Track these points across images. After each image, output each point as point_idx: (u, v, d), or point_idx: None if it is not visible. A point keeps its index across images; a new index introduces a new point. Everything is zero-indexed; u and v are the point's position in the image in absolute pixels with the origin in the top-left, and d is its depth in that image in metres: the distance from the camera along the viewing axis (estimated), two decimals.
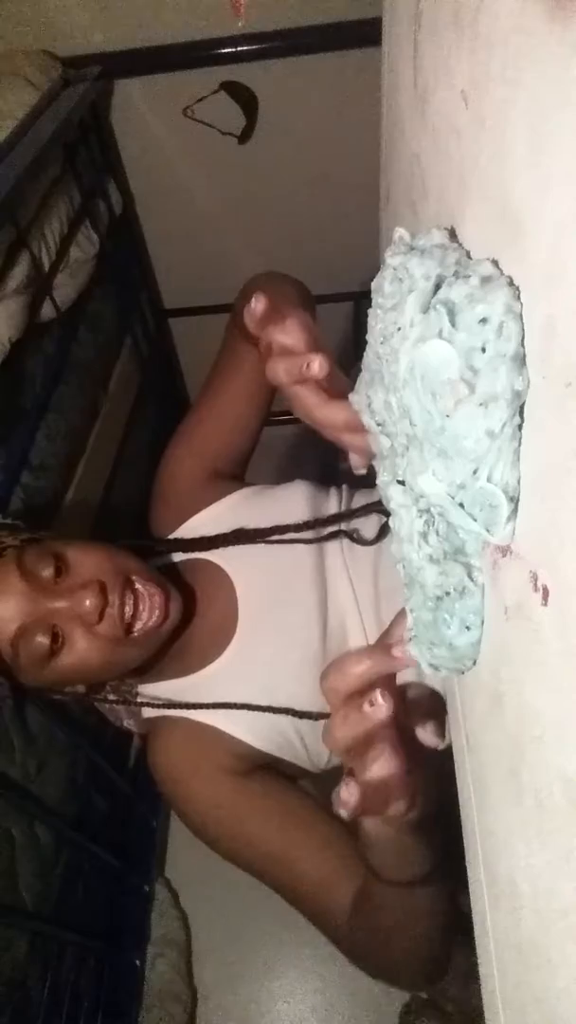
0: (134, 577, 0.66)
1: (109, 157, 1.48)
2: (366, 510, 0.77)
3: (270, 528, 0.75)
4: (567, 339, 0.21)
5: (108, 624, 0.64)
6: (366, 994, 1.43)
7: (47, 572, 0.64)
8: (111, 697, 0.75)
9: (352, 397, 0.42)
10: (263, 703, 0.69)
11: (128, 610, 0.65)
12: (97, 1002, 1.30)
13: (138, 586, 0.66)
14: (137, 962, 1.42)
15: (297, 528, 0.75)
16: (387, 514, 0.74)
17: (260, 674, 0.71)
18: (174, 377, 1.97)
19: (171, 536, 0.82)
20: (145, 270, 1.72)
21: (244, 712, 0.69)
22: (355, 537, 0.77)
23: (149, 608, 0.65)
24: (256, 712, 0.68)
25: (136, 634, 0.65)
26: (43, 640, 0.63)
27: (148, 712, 0.75)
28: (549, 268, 0.21)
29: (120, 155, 1.52)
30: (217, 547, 0.78)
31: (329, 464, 1.61)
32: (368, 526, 0.78)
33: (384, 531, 0.76)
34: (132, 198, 1.59)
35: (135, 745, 1.43)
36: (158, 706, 0.72)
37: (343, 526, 0.77)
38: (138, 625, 0.65)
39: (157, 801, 1.51)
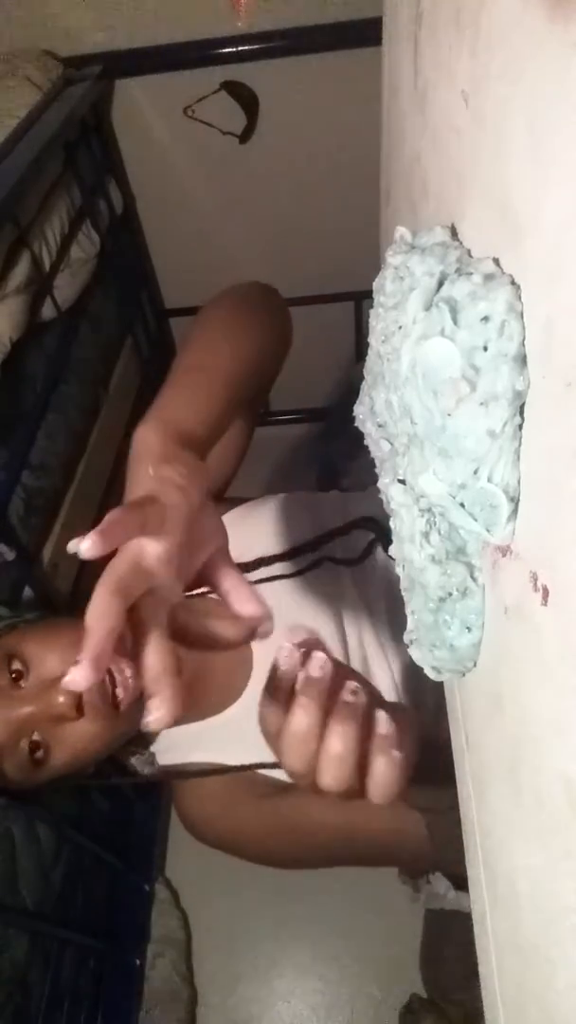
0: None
1: (110, 157, 1.48)
2: (355, 525, 0.75)
3: (256, 560, 0.72)
4: (567, 339, 0.21)
5: (90, 712, 0.59)
6: (366, 994, 1.43)
7: (2, 679, 0.59)
8: (131, 767, 0.71)
9: (356, 408, 0.42)
10: None
11: (110, 689, 0.60)
12: (97, 1002, 1.30)
13: (111, 663, 0.62)
14: (137, 962, 1.42)
15: (285, 556, 0.72)
16: (378, 530, 0.73)
17: None
18: None
19: None
20: (146, 270, 1.72)
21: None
22: (336, 559, 0.73)
23: (122, 683, 0.61)
24: None
25: (124, 709, 0.61)
26: (23, 754, 0.58)
27: (166, 758, 0.71)
28: (549, 268, 0.21)
29: (121, 155, 1.52)
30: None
31: (328, 465, 1.61)
32: (359, 538, 0.76)
33: (371, 548, 0.74)
34: (133, 198, 1.59)
35: None
36: (193, 773, 0.67)
37: (328, 549, 0.74)
38: (120, 698, 0.61)
39: (157, 801, 1.51)
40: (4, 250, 1.02)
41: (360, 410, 0.41)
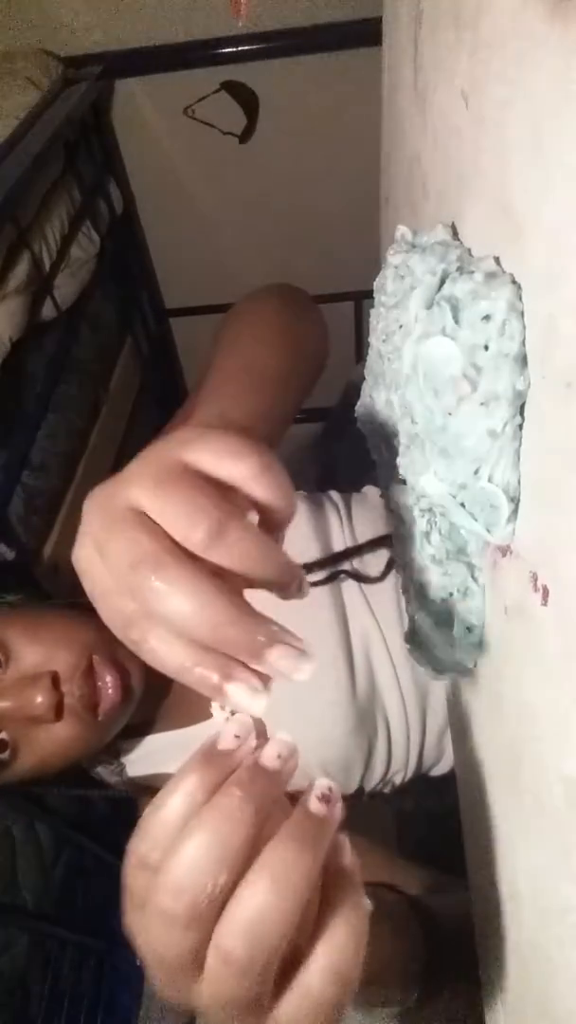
0: (95, 657, 0.56)
1: (110, 157, 1.48)
2: (372, 545, 0.69)
3: None
4: (567, 339, 0.21)
5: (70, 716, 0.54)
6: None
7: None
8: (96, 776, 0.65)
9: (357, 409, 0.42)
10: None
11: (99, 694, 0.55)
12: (97, 1002, 1.30)
13: (95, 668, 0.56)
14: (137, 962, 1.42)
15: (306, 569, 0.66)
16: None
17: (283, 720, 0.62)
18: (175, 377, 1.97)
19: None
20: (146, 270, 1.72)
21: None
22: (361, 576, 0.68)
23: (103, 691, 0.55)
24: None
25: (102, 718, 0.55)
26: None
27: (136, 768, 0.66)
28: (549, 268, 0.21)
29: (121, 155, 1.52)
30: None
31: (328, 465, 1.61)
32: (373, 556, 0.70)
33: (390, 568, 0.69)
34: (133, 197, 1.59)
35: None
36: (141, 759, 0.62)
37: (345, 565, 0.68)
38: (100, 707, 0.55)
39: None
40: (4, 250, 1.02)
41: (361, 411, 0.41)
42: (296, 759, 0.26)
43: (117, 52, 1.37)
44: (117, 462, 1.43)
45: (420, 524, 0.34)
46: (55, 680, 0.54)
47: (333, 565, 0.69)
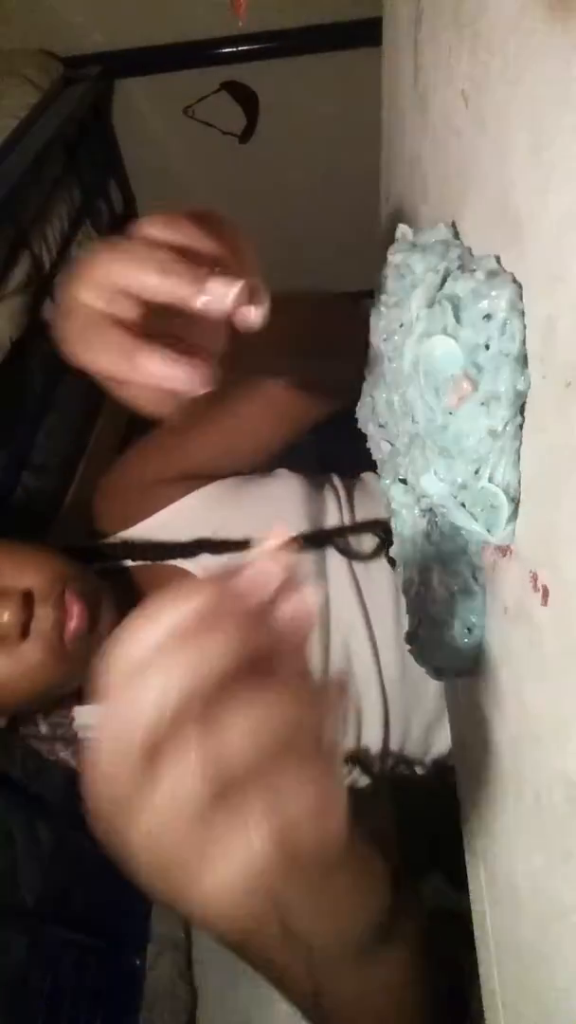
0: (67, 587, 0.57)
1: (110, 157, 1.48)
2: (364, 528, 0.69)
3: (244, 540, 0.65)
4: (567, 339, 0.21)
5: (36, 640, 0.54)
6: None
7: None
8: (43, 731, 0.65)
9: (358, 409, 0.42)
10: None
11: (66, 624, 0.56)
12: (97, 1002, 1.30)
13: (66, 595, 0.57)
14: (137, 962, 1.42)
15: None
16: (387, 534, 0.70)
17: None
18: None
19: (125, 533, 0.71)
20: None
21: None
22: (348, 551, 0.67)
23: (71, 617, 0.56)
24: None
25: (68, 646, 0.56)
26: None
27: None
28: (549, 268, 0.21)
29: (121, 155, 1.52)
30: (176, 557, 0.67)
31: (329, 466, 1.61)
32: (365, 540, 0.70)
33: (382, 548, 0.68)
34: (133, 198, 1.59)
35: None
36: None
37: (339, 540, 0.67)
38: (69, 631, 0.56)
39: None
40: (4, 250, 1.02)
41: (361, 411, 0.41)
42: (312, 623, 0.23)
43: (117, 52, 1.37)
44: None
45: (421, 524, 0.34)
46: (27, 599, 0.55)
47: (323, 542, 0.68)
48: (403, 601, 0.68)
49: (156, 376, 0.30)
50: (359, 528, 0.70)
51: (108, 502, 0.74)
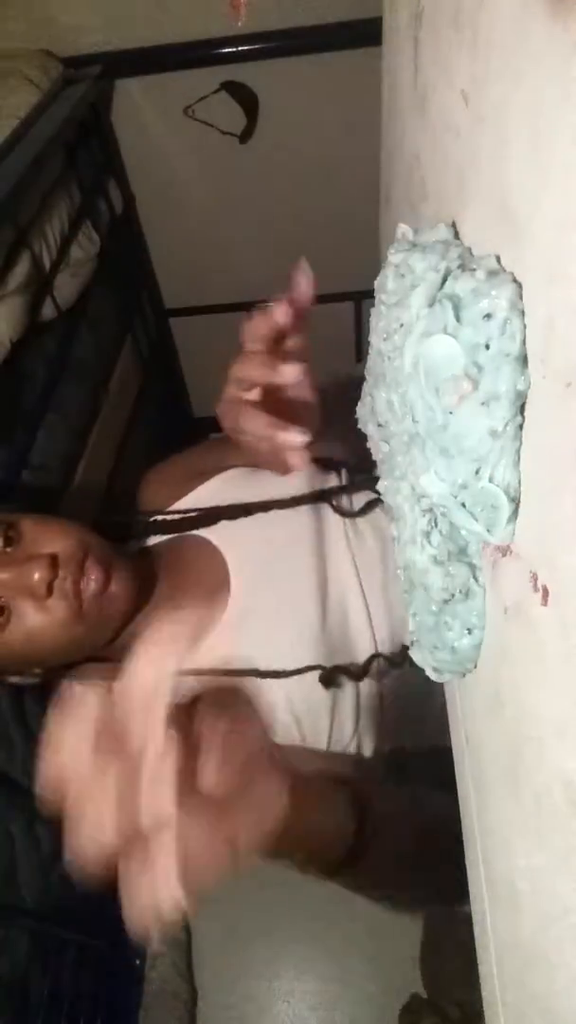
0: (89, 555, 0.65)
1: (110, 157, 1.48)
2: (362, 485, 0.76)
3: (257, 503, 0.74)
4: (567, 339, 0.21)
5: (59, 598, 0.62)
6: (366, 994, 1.43)
7: None
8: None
9: (358, 409, 0.42)
10: (257, 668, 0.66)
11: (82, 585, 0.64)
12: (97, 1002, 1.30)
13: (87, 561, 0.65)
14: (137, 962, 1.42)
15: (287, 503, 0.73)
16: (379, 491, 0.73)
17: (252, 653, 0.69)
18: (174, 377, 1.97)
19: (160, 514, 0.80)
20: (145, 270, 1.72)
21: (239, 680, 0.66)
22: (336, 505, 0.75)
23: (86, 581, 0.64)
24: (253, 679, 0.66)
25: (85, 608, 0.63)
26: None
27: None
28: (549, 268, 0.21)
29: (120, 155, 1.52)
30: (197, 527, 0.76)
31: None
32: (362, 498, 0.77)
33: (371, 505, 0.75)
34: (133, 198, 1.59)
35: None
36: None
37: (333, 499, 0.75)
38: (85, 593, 0.64)
39: None
40: (4, 250, 1.02)
41: (361, 411, 0.41)
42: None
43: (117, 52, 1.37)
44: (117, 462, 1.43)
45: (421, 524, 0.34)
46: (53, 561, 0.63)
47: (321, 498, 0.75)
48: (391, 566, 0.72)
49: (278, 438, 0.46)
50: (357, 486, 0.77)
51: (152, 488, 0.85)
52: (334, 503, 0.75)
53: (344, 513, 0.75)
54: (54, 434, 1.17)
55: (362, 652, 0.71)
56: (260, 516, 0.74)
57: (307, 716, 0.68)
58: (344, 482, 0.80)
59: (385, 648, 0.71)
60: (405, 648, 0.72)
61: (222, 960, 1.51)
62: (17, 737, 1.07)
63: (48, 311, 1.18)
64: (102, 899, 1.35)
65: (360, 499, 0.77)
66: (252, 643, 0.69)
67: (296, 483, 0.75)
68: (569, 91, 0.18)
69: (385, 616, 0.72)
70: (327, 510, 0.75)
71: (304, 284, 0.46)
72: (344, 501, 0.77)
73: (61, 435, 1.19)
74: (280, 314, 0.45)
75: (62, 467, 1.19)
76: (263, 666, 0.67)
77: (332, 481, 0.80)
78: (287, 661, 0.67)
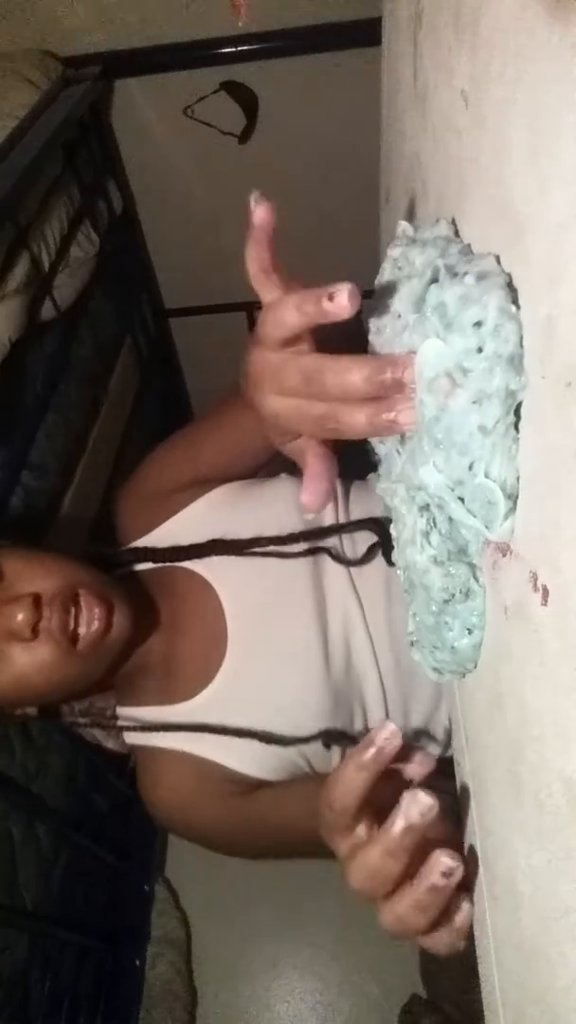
0: (81, 590, 0.62)
1: (109, 157, 1.47)
2: (359, 525, 0.71)
3: (251, 540, 0.70)
4: (567, 339, 0.21)
5: (45, 639, 0.59)
6: (366, 994, 1.43)
7: None
8: (80, 720, 0.70)
9: None
10: (262, 731, 0.64)
11: (72, 623, 0.60)
12: (97, 1002, 1.30)
13: (81, 599, 0.61)
14: (137, 962, 1.42)
15: (282, 541, 0.69)
16: (381, 533, 0.72)
17: (258, 702, 0.67)
18: (174, 377, 1.97)
19: (142, 541, 0.76)
20: (145, 270, 1.72)
21: (243, 742, 0.64)
22: (336, 555, 0.70)
23: (87, 620, 0.61)
24: (256, 742, 0.64)
25: (81, 647, 0.60)
26: None
27: (132, 738, 0.69)
28: (549, 268, 0.21)
29: (120, 155, 1.52)
30: (191, 558, 0.72)
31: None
32: (361, 538, 0.73)
33: (374, 550, 0.71)
34: (132, 198, 1.59)
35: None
36: (137, 729, 0.67)
37: (329, 542, 0.71)
38: (81, 635, 0.60)
39: None
40: (3, 250, 1.02)
41: None
42: (433, 803, 0.34)
43: (117, 52, 1.37)
44: (117, 462, 1.43)
45: (420, 523, 0.34)
46: (36, 602, 0.59)
47: (316, 539, 0.71)
48: (394, 594, 0.69)
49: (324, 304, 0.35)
50: (354, 526, 0.72)
51: (128, 513, 0.78)
52: (333, 552, 0.71)
53: (344, 562, 0.71)
54: (54, 434, 1.17)
55: (366, 683, 0.69)
56: (255, 558, 0.70)
57: (317, 757, 0.68)
58: (340, 509, 0.75)
59: (390, 679, 0.70)
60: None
61: (222, 960, 1.51)
62: (17, 740, 1.07)
63: (47, 311, 1.18)
64: (102, 899, 1.36)
65: (361, 540, 0.72)
66: (255, 698, 0.67)
67: (290, 520, 0.71)
68: (569, 92, 0.18)
69: (389, 645, 0.70)
70: (326, 559, 0.71)
71: (261, 212, 0.38)
72: (343, 544, 0.73)
73: (61, 435, 1.19)
74: (262, 212, 0.37)
75: (62, 467, 1.19)
76: (261, 727, 0.65)
77: (328, 517, 0.74)
78: (288, 728, 0.65)
